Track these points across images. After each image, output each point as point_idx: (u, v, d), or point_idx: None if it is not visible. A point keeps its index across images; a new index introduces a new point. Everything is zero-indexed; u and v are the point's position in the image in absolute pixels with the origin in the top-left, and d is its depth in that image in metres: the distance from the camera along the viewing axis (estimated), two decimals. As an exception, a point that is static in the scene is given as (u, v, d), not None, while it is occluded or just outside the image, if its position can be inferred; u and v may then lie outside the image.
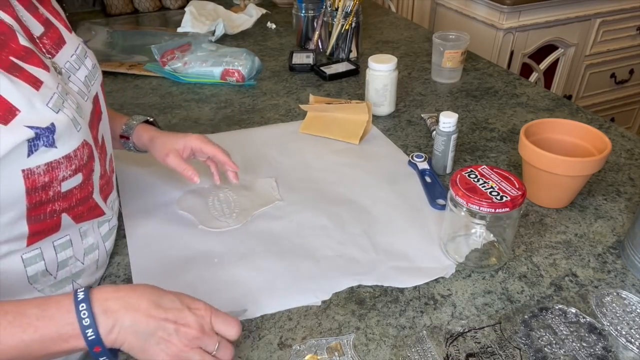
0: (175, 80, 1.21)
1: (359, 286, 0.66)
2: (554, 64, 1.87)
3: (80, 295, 0.47)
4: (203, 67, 1.19)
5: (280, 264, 0.69)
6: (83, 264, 0.64)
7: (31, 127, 0.49)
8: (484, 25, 1.73)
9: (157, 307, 0.49)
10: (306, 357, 0.57)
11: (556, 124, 0.82)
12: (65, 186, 0.55)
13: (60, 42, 0.60)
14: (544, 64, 1.85)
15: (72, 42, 0.63)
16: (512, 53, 1.73)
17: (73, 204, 0.58)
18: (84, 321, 0.46)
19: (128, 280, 0.67)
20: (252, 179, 0.86)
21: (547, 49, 1.82)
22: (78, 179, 0.56)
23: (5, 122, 0.48)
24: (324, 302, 0.64)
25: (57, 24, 0.61)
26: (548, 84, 1.91)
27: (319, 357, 0.57)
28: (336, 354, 0.57)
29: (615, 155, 0.92)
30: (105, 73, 1.25)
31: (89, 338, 0.46)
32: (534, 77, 1.86)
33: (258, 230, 0.76)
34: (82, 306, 0.46)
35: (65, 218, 0.58)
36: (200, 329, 0.50)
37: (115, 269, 0.69)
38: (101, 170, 0.63)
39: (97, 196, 0.62)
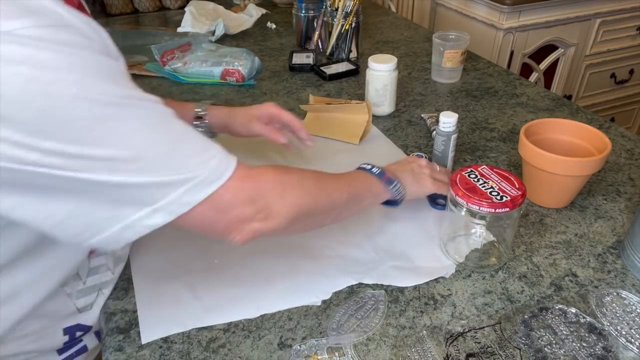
0: (175, 80, 1.21)
1: (359, 286, 0.66)
2: (554, 64, 1.87)
3: (375, 171, 0.68)
4: (203, 67, 1.19)
5: (280, 263, 0.69)
6: (113, 274, 0.65)
7: None
8: (484, 25, 1.73)
9: (405, 165, 0.74)
10: (306, 358, 0.57)
11: (556, 124, 0.82)
12: None
13: None
14: (544, 64, 1.85)
15: None
16: (512, 53, 1.73)
17: None
18: (374, 174, 0.68)
19: (128, 280, 0.67)
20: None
21: (547, 49, 1.82)
22: None
23: None
24: (324, 301, 0.64)
25: None
26: (548, 84, 1.91)
27: (319, 357, 0.57)
28: (336, 354, 0.57)
29: (615, 155, 0.92)
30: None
31: (389, 186, 0.68)
32: (534, 77, 1.86)
33: (258, 230, 0.75)
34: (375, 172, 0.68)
35: None
36: (425, 163, 0.76)
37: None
38: None
39: None
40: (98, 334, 0.69)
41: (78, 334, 0.64)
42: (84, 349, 0.68)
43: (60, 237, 0.45)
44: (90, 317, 0.64)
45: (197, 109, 0.81)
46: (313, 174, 0.59)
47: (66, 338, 0.63)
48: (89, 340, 0.68)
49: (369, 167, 0.68)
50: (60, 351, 0.65)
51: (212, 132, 0.82)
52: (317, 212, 0.58)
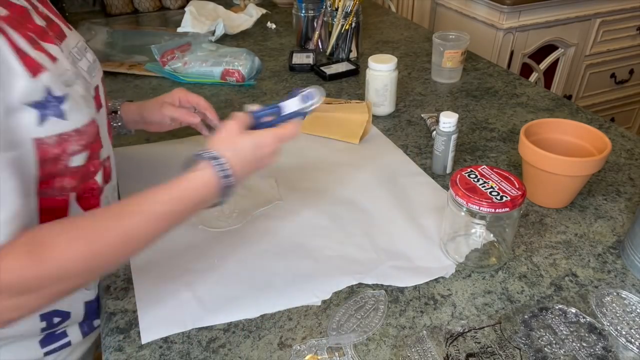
0: (175, 80, 1.21)
1: (359, 286, 0.66)
2: (554, 64, 1.87)
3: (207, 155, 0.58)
4: (203, 67, 1.19)
5: (280, 263, 0.69)
6: None
7: (48, 90, 0.52)
8: (484, 25, 1.73)
9: (248, 156, 0.60)
10: (306, 357, 0.57)
11: (556, 124, 0.82)
12: (74, 162, 0.57)
13: (61, 36, 0.62)
14: (544, 64, 1.85)
15: (73, 37, 0.65)
16: (512, 53, 1.73)
17: (79, 182, 0.59)
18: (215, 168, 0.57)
19: (128, 280, 0.67)
20: (252, 179, 0.86)
21: (547, 49, 1.82)
22: (84, 156, 0.58)
23: (34, 74, 0.50)
24: (324, 301, 0.64)
25: (57, 21, 0.63)
26: (548, 84, 1.91)
27: (319, 357, 0.57)
28: (336, 354, 0.57)
29: (615, 155, 0.92)
30: (105, 73, 1.24)
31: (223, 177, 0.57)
32: (534, 77, 1.86)
33: (258, 230, 0.76)
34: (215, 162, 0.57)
35: (73, 203, 0.59)
36: (269, 141, 0.60)
37: (115, 269, 0.69)
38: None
39: (100, 179, 0.64)
40: (85, 328, 0.68)
41: (56, 320, 0.64)
42: (68, 344, 0.68)
43: None
44: (66, 303, 0.64)
45: (113, 101, 0.84)
46: (73, 250, 0.49)
47: (44, 324, 0.63)
48: (74, 335, 0.68)
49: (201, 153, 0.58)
50: (42, 343, 0.65)
51: (127, 129, 0.85)
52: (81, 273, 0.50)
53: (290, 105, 0.62)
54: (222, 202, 0.59)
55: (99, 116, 0.67)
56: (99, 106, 0.66)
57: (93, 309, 0.70)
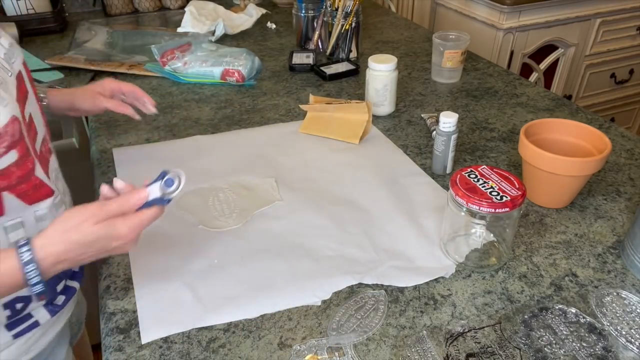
0: (175, 80, 1.22)
1: (359, 286, 0.66)
2: (554, 64, 1.87)
3: (26, 257, 0.52)
4: (203, 67, 1.19)
5: (280, 263, 0.69)
6: None
7: None
8: (484, 25, 1.73)
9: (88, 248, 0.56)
10: (306, 357, 0.57)
11: (556, 124, 0.82)
12: (1, 164, 0.55)
13: None
14: (544, 64, 1.85)
15: None
16: (512, 53, 1.73)
17: (14, 182, 0.57)
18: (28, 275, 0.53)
19: (128, 280, 0.67)
20: (252, 179, 0.86)
21: (547, 49, 1.82)
22: (13, 156, 0.56)
23: None
24: (324, 301, 0.64)
25: None
26: (548, 84, 1.91)
27: (319, 357, 0.57)
28: (336, 354, 0.57)
29: (615, 155, 0.92)
30: (105, 73, 1.26)
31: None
32: (534, 77, 1.86)
33: (258, 230, 0.76)
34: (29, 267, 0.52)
35: (10, 198, 0.57)
36: (125, 232, 0.56)
37: (115, 269, 0.69)
38: (32, 150, 0.62)
39: (40, 174, 0.61)
40: (50, 307, 0.68)
41: (18, 305, 0.63)
42: (36, 324, 0.67)
43: None
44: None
45: (39, 92, 0.82)
46: None
47: (8, 312, 0.63)
48: (41, 315, 0.67)
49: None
50: (9, 327, 0.64)
51: (52, 116, 0.83)
52: None
53: (153, 191, 0.58)
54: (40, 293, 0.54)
55: (30, 106, 0.64)
56: (24, 96, 0.64)
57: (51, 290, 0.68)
